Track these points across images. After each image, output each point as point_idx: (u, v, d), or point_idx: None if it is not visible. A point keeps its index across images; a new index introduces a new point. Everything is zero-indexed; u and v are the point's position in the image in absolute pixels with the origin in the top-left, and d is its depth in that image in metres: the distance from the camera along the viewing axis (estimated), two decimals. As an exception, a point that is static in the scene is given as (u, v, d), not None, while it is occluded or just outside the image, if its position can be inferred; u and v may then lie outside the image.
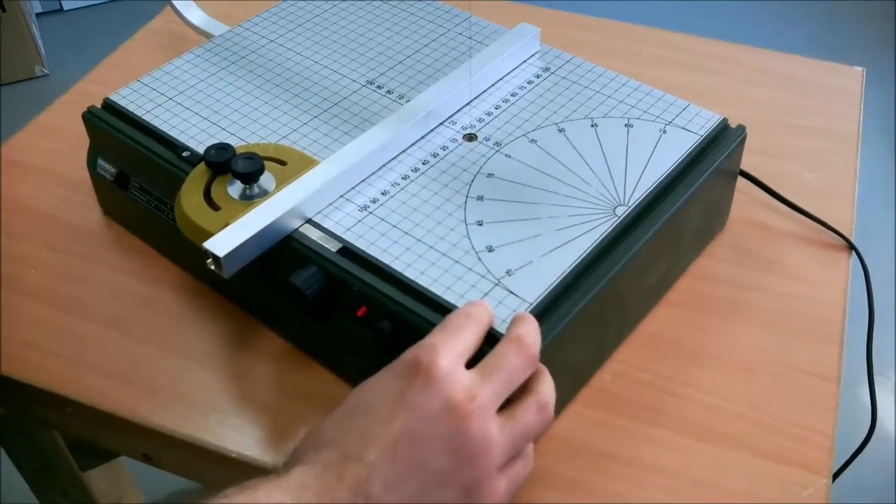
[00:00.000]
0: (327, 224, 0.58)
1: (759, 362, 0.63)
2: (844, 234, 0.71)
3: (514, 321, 0.49)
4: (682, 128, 0.66)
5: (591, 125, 0.66)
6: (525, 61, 0.72)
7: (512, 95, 0.69)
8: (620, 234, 0.58)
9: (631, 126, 0.66)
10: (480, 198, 0.60)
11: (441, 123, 0.66)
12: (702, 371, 0.62)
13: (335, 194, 0.60)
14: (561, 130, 0.65)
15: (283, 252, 0.57)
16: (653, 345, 0.64)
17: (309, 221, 0.58)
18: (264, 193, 0.59)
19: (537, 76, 0.70)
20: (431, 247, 0.56)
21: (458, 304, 0.53)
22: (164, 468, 0.67)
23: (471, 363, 0.47)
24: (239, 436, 0.58)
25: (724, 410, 0.60)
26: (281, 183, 0.59)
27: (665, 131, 0.65)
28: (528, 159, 0.63)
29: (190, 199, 0.59)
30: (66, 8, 2.40)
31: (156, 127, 0.66)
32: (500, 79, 0.70)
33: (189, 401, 0.60)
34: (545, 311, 0.53)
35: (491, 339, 0.50)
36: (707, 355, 0.63)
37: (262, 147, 0.62)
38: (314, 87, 0.69)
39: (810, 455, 0.57)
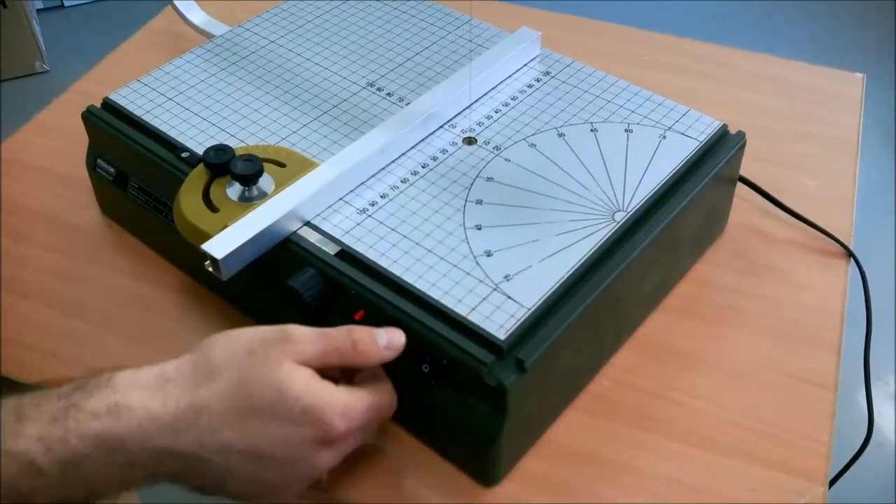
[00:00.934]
0: (326, 227, 0.58)
1: (757, 369, 0.63)
2: (843, 241, 0.71)
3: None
4: (682, 133, 0.66)
5: (591, 130, 0.66)
6: (525, 65, 0.72)
7: (512, 99, 0.69)
8: (619, 239, 0.58)
9: (631, 131, 0.66)
10: (479, 202, 0.60)
11: (441, 127, 0.66)
12: (698, 377, 0.62)
13: (334, 197, 0.60)
14: (561, 135, 0.65)
15: (281, 254, 0.57)
16: (650, 350, 0.64)
17: (308, 224, 0.58)
18: (263, 195, 0.59)
19: (538, 80, 0.70)
20: (430, 250, 0.56)
21: (456, 309, 0.53)
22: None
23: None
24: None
25: (720, 418, 0.60)
26: (280, 185, 0.59)
27: (665, 137, 0.65)
28: (527, 163, 0.63)
29: (188, 201, 0.59)
30: (66, 4, 2.40)
31: (155, 127, 0.66)
32: (501, 82, 0.70)
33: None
34: (543, 316, 0.53)
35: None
36: (704, 362, 0.63)
37: (262, 149, 0.62)
38: (314, 89, 0.69)
39: (807, 462, 0.57)
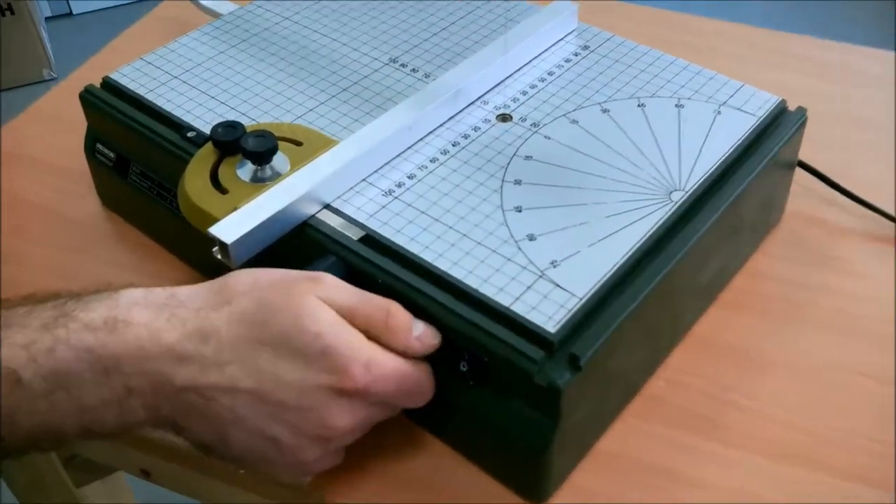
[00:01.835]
0: (348, 210, 0.52)
1: (819, 368, 0.56)
2: (913, 228, 0.65)
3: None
4: (738, 109, 0.59)
5: (638, 105, 0.59)
6: (562, 39, 0.66)
7: (549, 74, 0.62)
8: (677, 222, 0.52)
9: (682, 106, 0.59)
10: (518, 182, 0.54)
11: (472, 103, 0.60)
12: (758, 377, 0.56)
13: (356, 178, 0.54)
14: (605, 111, 0.59)
15: (298, 240, 0.51)
16: (706, 348, 0.57)
17: (327, 207, 0.52)
18: (277, 176, 0.53)
19: (576, 54, 0.64)
20: (465, 235, 0.50)
21: (497, 299, 0.46)
22: (164, 485, 0.61)
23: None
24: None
25: (782, 421, 0.53)
26: (296, 164, 0.53)
27: (720, 112, 0.59)
28: (569, 141, 0.57)
29: (195, 182, 0.53)
30: (75, 11, 2.36)
31: (159, 107, 0.60)
32: (536, 57, 0.64)
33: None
34: (597, 307, 0.47)
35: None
36: (763, 360, 0.57)
37: (276, 127, 0.56)
38: (332, 66, 0.63)
39: (876, 468, 0.51)
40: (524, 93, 0.61)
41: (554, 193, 0.53)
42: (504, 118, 0.59)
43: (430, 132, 0.57)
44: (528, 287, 0.47)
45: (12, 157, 0.72)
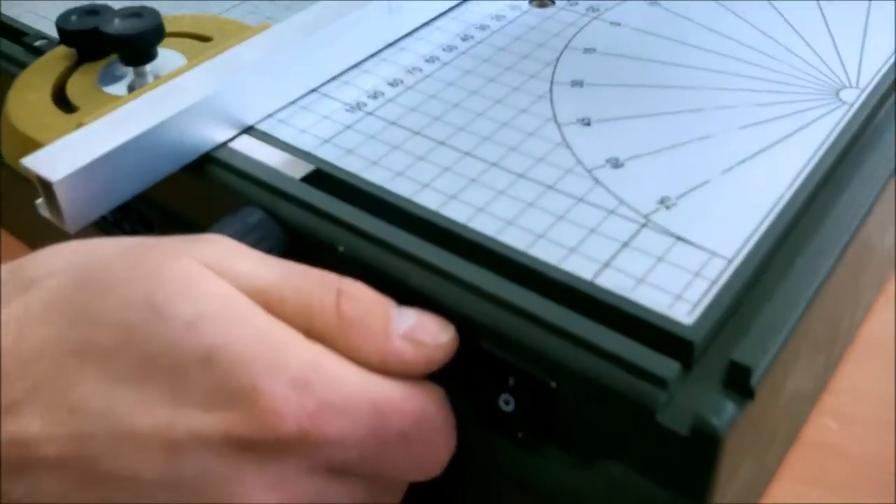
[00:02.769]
0: (283, 134, 0.30)
1: None
2: None
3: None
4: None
5: (750, -20, 0.37)
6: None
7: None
8: (859, 132, 0.30)
9: (817, -17, 0.37)
10: (578, 83, 0.32)
11: (489, -15, 0.38)
12: None
13: (300, 85, 0.31)
14: (699, -12, 0.37)
15: (196, 186, 0.29)
16: (881, 354, 0.35)
17: (249, 132, 0.30)
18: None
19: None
20: (494, 164, 0.28)
21: (568, 269, 0.24)
22: None
23: None
24: None
25: None
26: (195, 63, 0.31)
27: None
28: (651, 26, 0.35)
29: (24, 99, 0.31)
30: None
31: (-8, 8, 0.38)
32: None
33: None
34: (756, 279, 0.24)
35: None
36: None
37: (175, 20, 0.34)
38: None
39: None
40: (567, -27, 0.39)
41: (641, 97, 0.31)
42: (542, 3, 0.37)
43: (426, 24, 0.35)
44: (625, 244, 0.25)
45: None
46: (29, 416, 0.20)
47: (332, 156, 0.29)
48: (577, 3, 0.37)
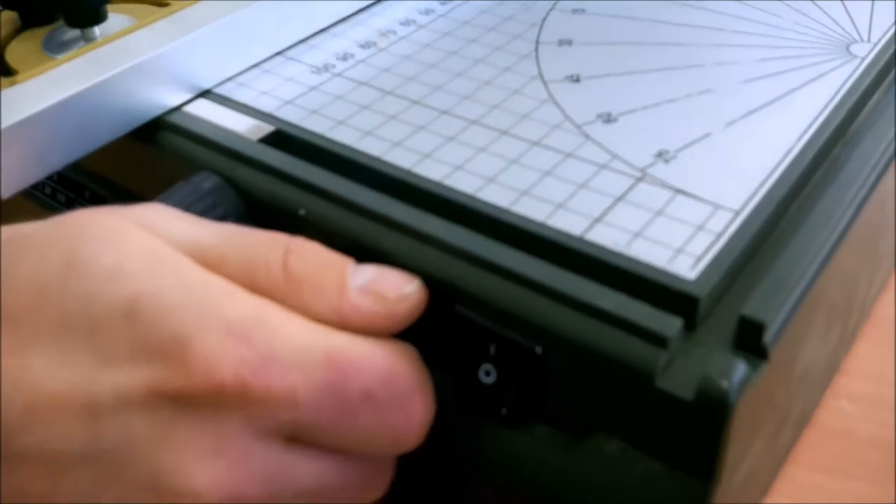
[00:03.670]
0: (243, 96, 0.27)
1: None
2: None
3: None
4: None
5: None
6: None
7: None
8: (872, 86, 0.27)
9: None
10: (566, 42, 0.29)
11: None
12: None
13: (264, 47, 0.29)
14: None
15: (147, 154, 0.26)
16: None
17: (206, 95, 0.27)
18: (112, 45, 0.28)
19: None
20: (474, 122, 0.25)
21: (555, 226, 0.21)
22: None
23: None
24: None
25: None
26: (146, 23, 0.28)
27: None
28: (645, -12, 0.32)
29: (-42, 67, 0.28)
30: None
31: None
32: None
33: None
34: (764, 236, 0.22)
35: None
36: None
37: (128, -14, 0.32)
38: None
39: None
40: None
41: (635, 54, 0.28)
42: (525, -32, 0.34)
43: (400, -11, 0.33)
44: (619, 199, 0.22)
45: None
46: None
47: (295, 117, 0.26)
48: (564, -33, 0.34)
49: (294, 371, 0.18)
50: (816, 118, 0.25)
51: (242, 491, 0.18)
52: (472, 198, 0.22)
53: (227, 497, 0.18)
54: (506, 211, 0.22)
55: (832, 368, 0.29)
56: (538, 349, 0.20)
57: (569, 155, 0.24)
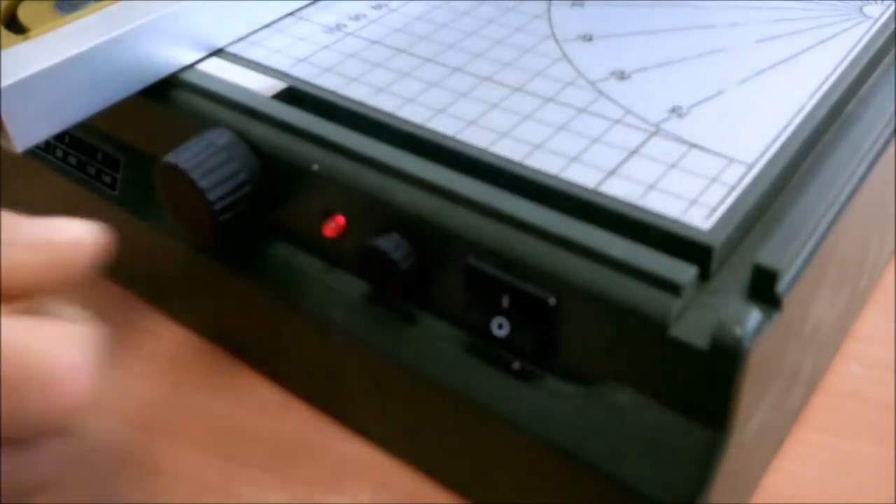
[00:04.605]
0: (256, 55, 0.27)
1: None
2: None
3: None
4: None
5: None
6: None
7: None
8: (885, 46, 0.27)
9: None
10: (578, 2, 0.29)
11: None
12: None
13: (277, 8, 0.29)
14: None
15: (160, 112, 0.26)
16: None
17: (218, 54, 0.27)
18: (125, 3, 0.28)
19: None
20: (487, 78, 0.25)
21: (570, 178, 0.21)
22: None
23: None
24: None
25: None
26: (160, -18, 0.28)
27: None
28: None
29: (-29, 26, 0.28)
30: None
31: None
32: None
33: None
34: (778, 189, 0.22)
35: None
36: None
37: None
38: None
39: None
40: None
41: (648, 14, 0.28)
42: (537, -68, 0.34)
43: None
44: (633, 152, 0.22)
45: None
46: None
47: (308, 74, 0.26)
48: (575, -69, 0.34)
49: None
50: (829, 77, 0.25)
51: None
52: (485, 151, 0.22)
53: None
54: (519, 164, 0.22)
55: (842, 332, 0.29)
56: (552, 300, 0.20)
57: (582, 110, 0.24)
